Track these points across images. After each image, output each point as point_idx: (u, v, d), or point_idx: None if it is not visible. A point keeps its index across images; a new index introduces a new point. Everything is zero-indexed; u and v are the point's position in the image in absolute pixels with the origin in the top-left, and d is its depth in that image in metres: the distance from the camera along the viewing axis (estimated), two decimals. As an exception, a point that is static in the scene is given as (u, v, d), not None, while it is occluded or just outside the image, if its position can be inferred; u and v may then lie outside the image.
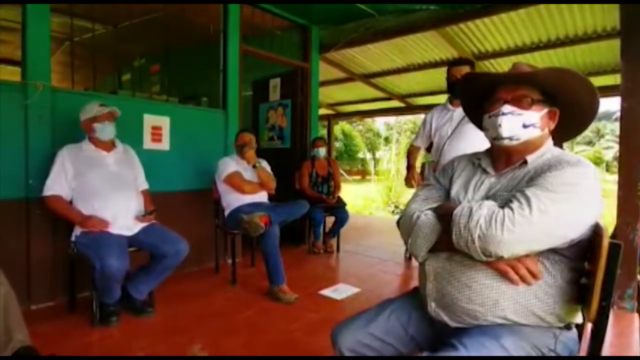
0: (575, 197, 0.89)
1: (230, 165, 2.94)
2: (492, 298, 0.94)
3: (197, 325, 2.21)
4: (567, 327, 0.98)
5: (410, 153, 3.01)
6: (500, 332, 0.93)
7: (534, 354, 0.93)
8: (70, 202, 2.22)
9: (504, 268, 0.92)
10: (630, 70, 2.47)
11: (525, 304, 0.93)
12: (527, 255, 0.91)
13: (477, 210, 0.91)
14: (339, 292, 2.81)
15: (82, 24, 4.12)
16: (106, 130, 2.30)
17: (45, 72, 2.38)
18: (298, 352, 1.96)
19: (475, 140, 2.45)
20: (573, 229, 0.90)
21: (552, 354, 0.93)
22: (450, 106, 2.67)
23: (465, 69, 2.51)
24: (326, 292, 2.80)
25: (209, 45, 3.74)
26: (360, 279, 3.16)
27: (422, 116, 2.89)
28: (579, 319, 1.00)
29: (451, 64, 2.66)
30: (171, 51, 4.84)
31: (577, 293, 0.96)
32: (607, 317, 0.88)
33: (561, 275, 0.95)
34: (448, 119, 2.63)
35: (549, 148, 1.04)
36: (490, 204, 0.93)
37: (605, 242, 0.86)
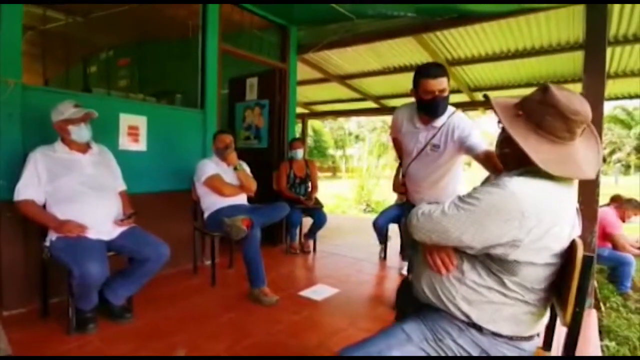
0: (474, 210, 0.99)
1: (210, 167, 2.91)
2: (419, 273, 1.19)
3: (178, 329, 2.20)
4: (479, 329, 1.06)
5: (395, 145, 2.49)
6: (408, 318, 1.17)
7: (430, 337, 1.10)
8: (44, 206, 2.14)
9: (423, 250, 1.16)
10: (592, 84, 2.68)
11: (435, 283, 1.12)
12: (445, 249, 1.09)
13: (417, 205, 1.16)
14: (318, 293, 2.86)
15: (50, 13, 3.94)
16: (82, 133, 2.21)
17: (16, 69, 2.26)
18: (284, 354, 1.99)
19: (434, 171, 2.16)
20: (466, 236, 1.00)
21: (453, 343, 1.08)
22: (418, 123, 2.13)
23: (443, 82, 1.94)
24: (306, 293, 2.85)
25: (185, 39, 3.66)
26: (338, 279, 3.22)
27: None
28: (507, 330, 1.06)
29: (423, 73, 1.96)
30: (143, 44, 4.70)
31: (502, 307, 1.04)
32: (580, 322, 0.98)
33: (477, 282, 1.05)
34: (415, 135, 2.17)
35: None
36: (426, 202, 1.16)
37: (580, 254, 0.96)
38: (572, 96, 1.02)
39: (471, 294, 1.06)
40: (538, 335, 1.13)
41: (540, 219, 0.96)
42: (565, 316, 0.99)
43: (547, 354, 1.19)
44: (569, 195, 1.07)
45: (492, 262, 1.03)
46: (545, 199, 0.99)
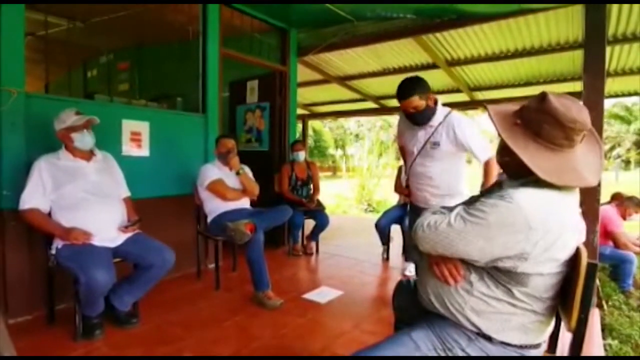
0: (481, 223, 1.00)
1: (213, 172, 2.92)
2: (425, 281, 1.19)
3: (185, 333, 2.21)
4: (488, 338, 1.07)
5: (402, 152, 2.69)
6: (416, 326, 1.17)
7: (439, 346, 1.11)
8: (49, 214, 2.15)
9: (429, 260, 1.16)
10: (591, 83, 2.70)
11: (443, 294, 1.12)
12: (452, 260, 1.09)
13: (422, 215, 1.17)
14: (322, 295, 2.87)
15: (51, 19, 3.95)
16: (85, 140, 2.22)
17: (19, 78, 2.27)
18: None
19: (435, 168, 2.34)
20: (473, 249, 1.01)
21: (461, 352, 1.09)
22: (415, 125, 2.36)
23: (413, 101, 2.17)
24: (310, 295, 2.86)
25: (185, 43, 3.66)
26: (341, 281, 3.23)
27: (395, 116, 2.77)
28: (516, 339, 1.06)
29: (397, 95, 2.23)
30: (143, 48, 4.71)
31: (508, 318, 1.05)
32: (585, 327, 1.00)
33: (485, 293, 1.06)
34: (414, 135, 2.40)
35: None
36: (431, 212, 1.16)
37: (584, 261, 0.97)
38: (570, 104, 1.01)
39: (480, 305, 1.06)
40: (545, 342, 1.14)
41: (546, 230, 0.96)
42: (570, 322, 1.00)
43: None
44: (573, 202, 1.07)
45: (500, 273, 1.03)
46: (551, 209, 0.99)
